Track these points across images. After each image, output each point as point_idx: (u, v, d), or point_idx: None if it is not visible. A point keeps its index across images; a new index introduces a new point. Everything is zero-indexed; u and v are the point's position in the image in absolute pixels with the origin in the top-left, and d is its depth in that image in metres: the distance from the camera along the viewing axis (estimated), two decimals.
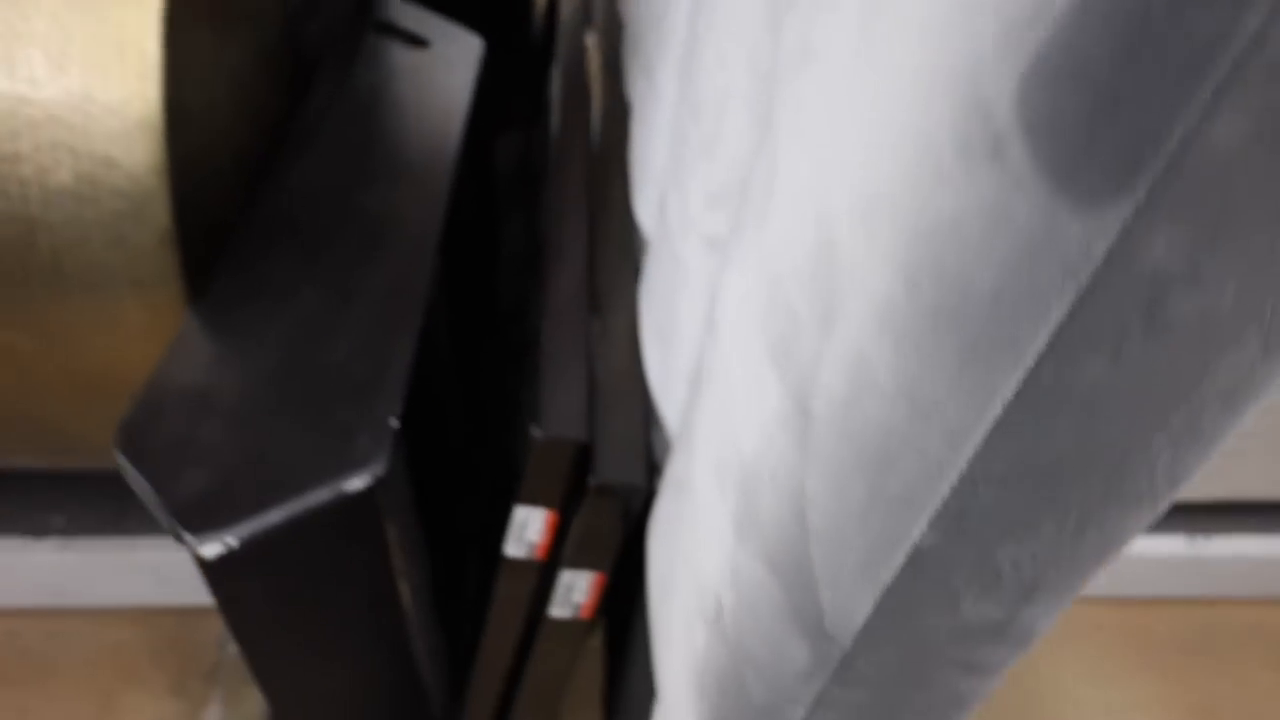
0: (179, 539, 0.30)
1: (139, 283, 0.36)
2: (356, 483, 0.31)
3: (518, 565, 0.35)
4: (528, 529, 0.35)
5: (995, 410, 0.14)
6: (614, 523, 0.33)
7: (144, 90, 0.33)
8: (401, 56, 0.55)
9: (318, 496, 0.31)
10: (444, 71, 0.53)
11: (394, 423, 0.33)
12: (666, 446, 0.32)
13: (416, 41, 0.56)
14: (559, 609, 0.35)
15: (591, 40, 0.65)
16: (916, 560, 0.16)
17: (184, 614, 0.57)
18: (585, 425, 0.32)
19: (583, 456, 0.32)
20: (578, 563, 0.34)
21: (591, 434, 0.32)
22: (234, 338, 0.36)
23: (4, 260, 0.35)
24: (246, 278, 0.38)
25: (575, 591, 0.35)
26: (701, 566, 0.23)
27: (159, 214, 0.35)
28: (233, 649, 0.56)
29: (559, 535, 0.35)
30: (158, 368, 0.34)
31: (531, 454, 0.32)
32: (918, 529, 0.16)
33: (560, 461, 0.32)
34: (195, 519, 0.30)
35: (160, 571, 0.56)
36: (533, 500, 0.34)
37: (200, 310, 0.37)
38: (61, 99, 0.33)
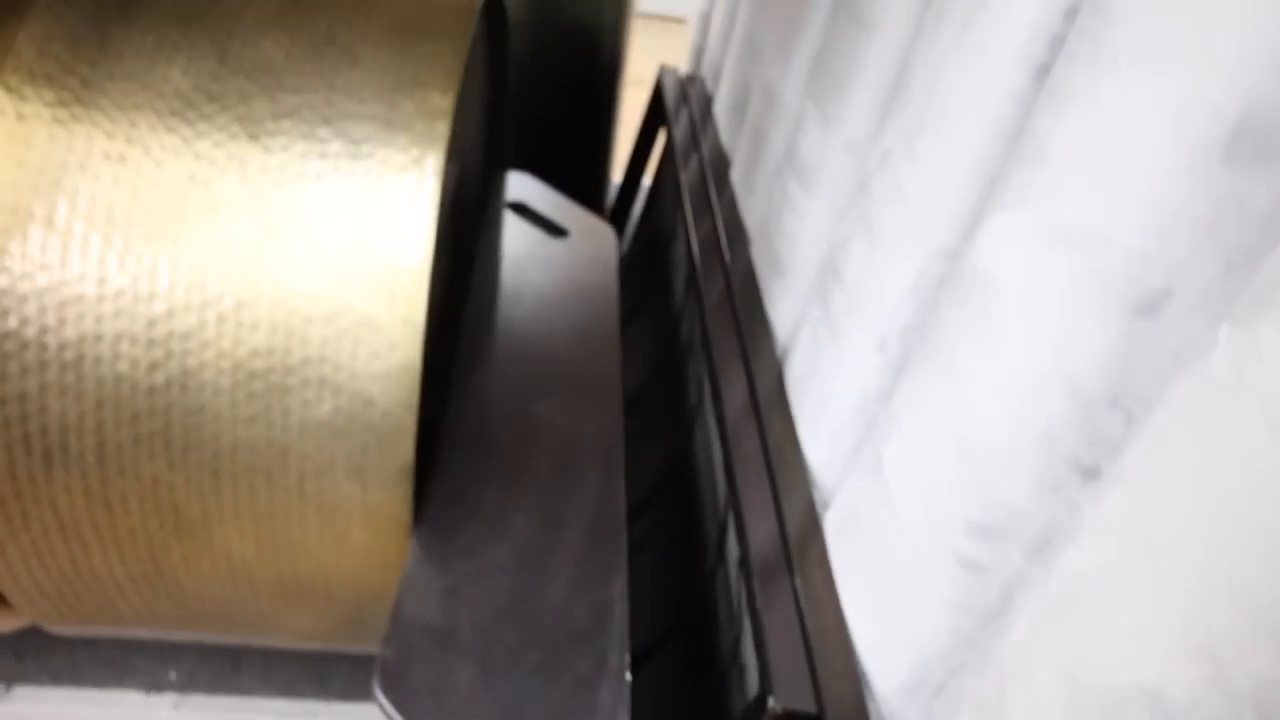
0: None
1: (370, 507, 0.38)
2: None
3: None
4: None
5: None
6: None
7: (410, 337, 0.36)
8: (547, 248, 0.59)
9: None
10: (590, 267, 0.57)
11: (628, 676, 0.35)
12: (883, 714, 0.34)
13: (557, 231, 0.60)
14: None
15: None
16: None
17: None
18: (814, 696, 0.34)
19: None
20: None
21: (820, 705, 0.34)
22: (460, 570, 0.38)
23: (254, 483, 0.37)
24: (460, 503, 0.40)
25: None
26: None
27: (404, 449, 0.37)
28: None
29: None
30: (399, 601, 0.36)
31: None
32: None
33: None
34: None
35: None
36: None
37: (424, 537, 0.39)
38: (333, 340, 0.36)
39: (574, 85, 0.87)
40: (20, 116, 0.35)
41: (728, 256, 0.61)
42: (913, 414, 0.34)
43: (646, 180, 0.94)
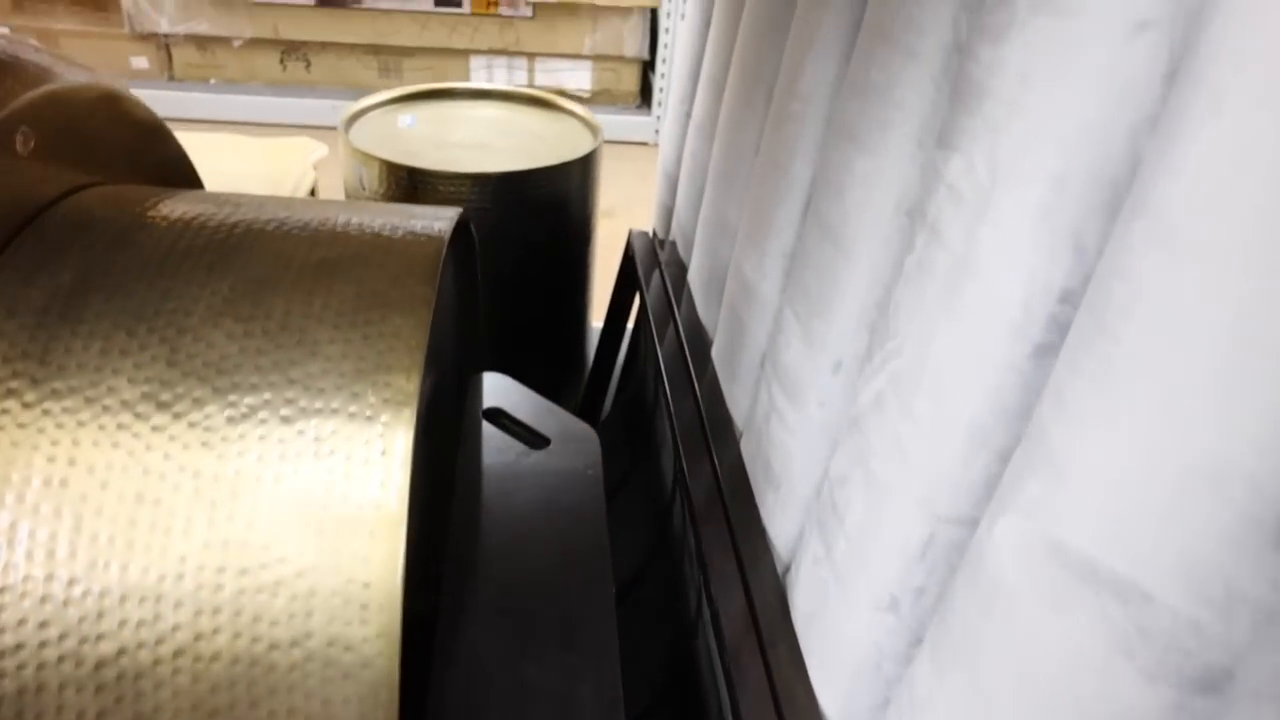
0: None
1: None
2: None
3: None
4: None
5: None
6: None
7: (385, 650, 0.33)
8: (527, 460, 0.56)
9: None
10: (574, 483, 0.55)
11: None
12: None
13: (538, 440, 0.58)
14: None
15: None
16: None
17: None
18: None
19: None
20: None
21: None
22: None
23: None
24: None
25: None
26: None
27: None
28: None
29: None
30: None
31: None
32: None
33: None
34: None
35: None
36: None
37: None
38: (301, 665, 0.33)
39: (546, 250, 0.86)
40: None
41: (714, 446, 0.59)
42: (940, 701, 0.31)
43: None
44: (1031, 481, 0.26)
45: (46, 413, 0.34)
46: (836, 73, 0.46)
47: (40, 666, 0.32)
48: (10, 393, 0.34)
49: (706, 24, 0.78)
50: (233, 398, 0.35)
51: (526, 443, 0.57)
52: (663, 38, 2.00)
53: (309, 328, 0.37)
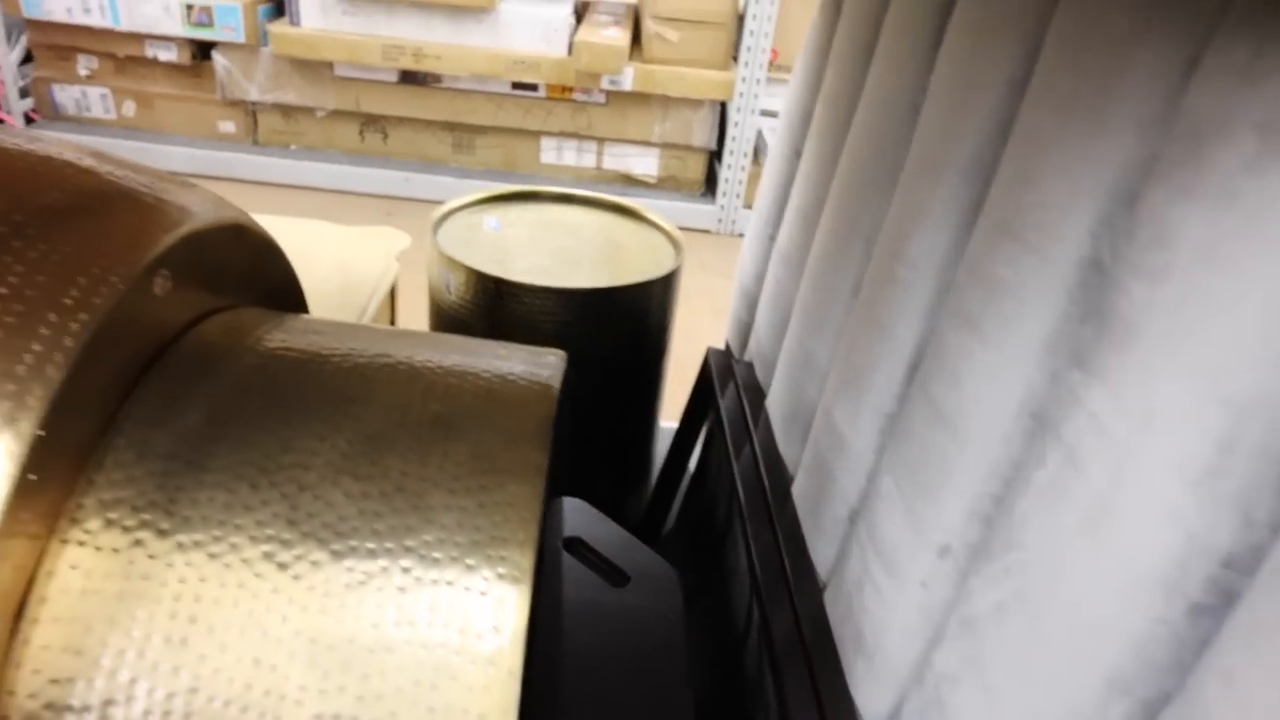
0: None
1: None
2: None
3: None
4: None
5: None
6: None
7: None
8: (606, 596, 0.56)
9: None
10: (657, 630, 0.54)
11: None
12: None
13: (618, 576, 0.57)
14: None
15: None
16: None
17: None
18: None
19: None
20: None
21: None
22: None
23: None
24: None
25: None
26: None
27: None
28: None
29: None
30: None
31: None
32: None
33: None
34: None
35: None
36: None
37: None
38: None
39: (623, 361, 0.87)
40: (84, 593, 0.34)
41: (795, 593, 0.58)
42: None
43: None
44: None
45: (170, 566, 0.35)
46: (948, 251, 0.46)
47: None
48: (137, 544, 0.35)
49: (795, 154, 0.79)
50: (349, 563, 0.35)
51: (605, 577, 0.57)
52: (731, 130, 2.03)
53: (425, 491, 0.37)
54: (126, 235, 0.40)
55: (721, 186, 2.08)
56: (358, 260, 0.97)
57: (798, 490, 0.64)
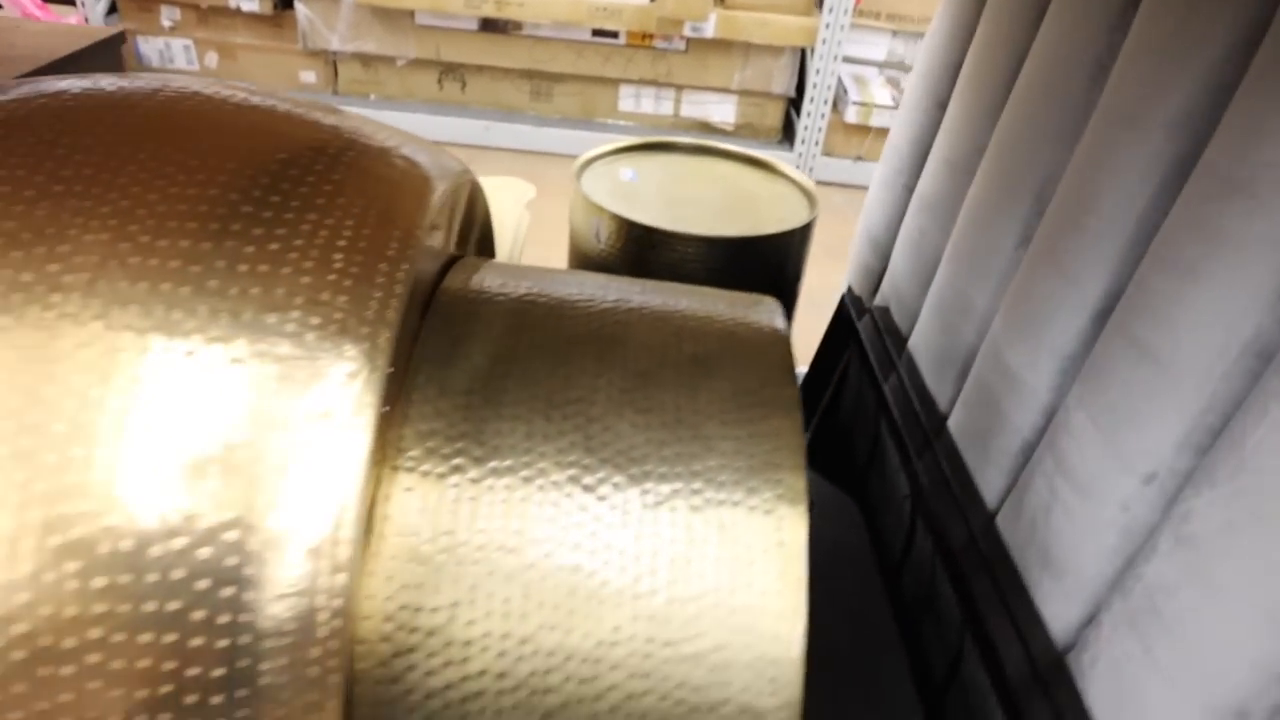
0: None
1: None
2: None
3: None
4: None
5: None
6: None
7: (790, 717, 0.38)
8: None
9: None
10: (845, 555, 0.59)
11: None
12: None
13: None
14: None
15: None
16: None
17: None
18: None
19: None
20: None
21: None
22: None
23: None
24: None
25: None
26: None
27: None
28: None
29: None
30: None
31: None
32: None
33: None
34: None
35: None
36: None
37: None
38: None
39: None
40: (421, 512, 0.39)
41: (969, 519, 0.62)
42: None
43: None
44: None
45: (490, 488, 0.39)
46: (1151, 202, 0.49)
47: (498, 713, 0.37)
48: (456, 469, 0.40)
49: (938, 105, 0.81)
50: (646, 485, 0.40)
51: None
52: (811, 77, 2.03)
53: (700, 423, 0.42)
54: (411, 188, 0.44)
55: (800, 134, 2.09)
56: (494, 210, 1.01)
57: (956, 424, 0.68)
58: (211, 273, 0.35)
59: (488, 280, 0.50)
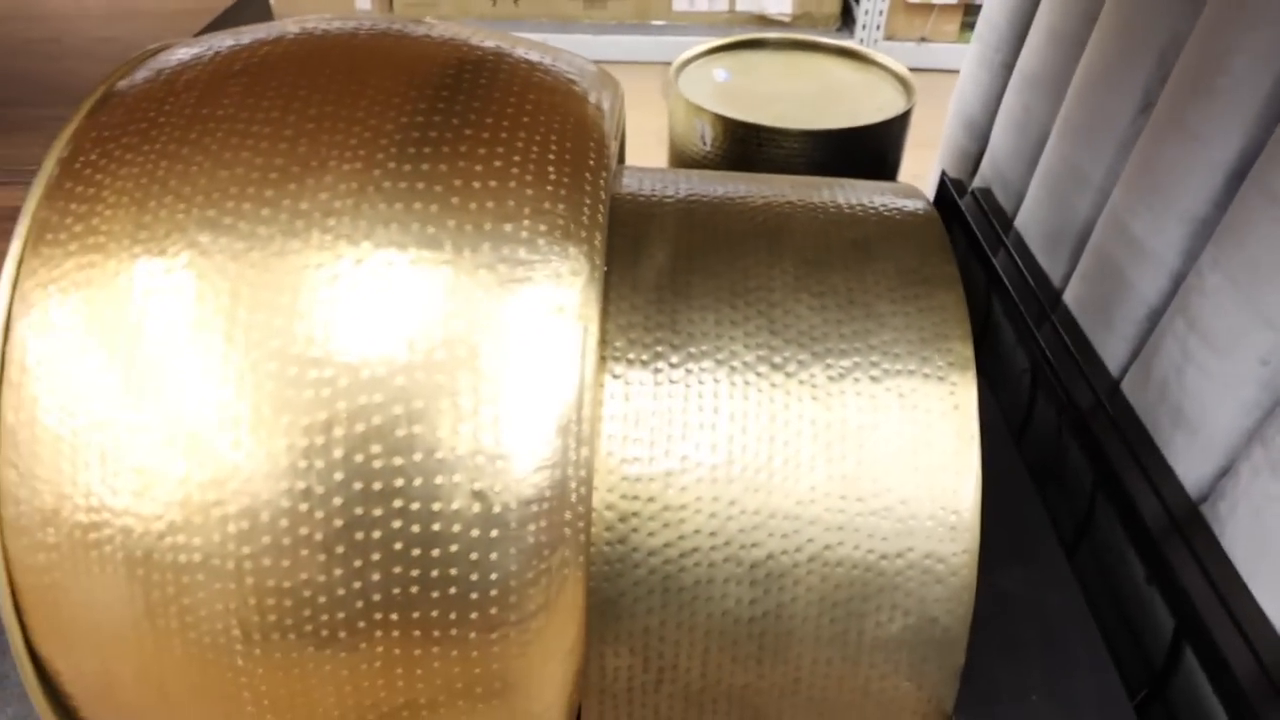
0: None
1: (924, 700, 0.44)
2: None
3: None
4: None
5: None
6: None
7: (969, 564, 0.42)
8: None
9: None
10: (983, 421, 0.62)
11: None
12: None
13: None
14: None
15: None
16: None
17: None
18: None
19: None
20: None
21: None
22: None
23: (828, 687, 0.44)
24: (986, 686, 0.46)
25: None
26: None
27: (958, 655, 0.43)
28: None
29: None
30: None
31: None
32: None
33: None
34: None
35: None
36: None
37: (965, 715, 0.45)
38: (904, 572, 0.42)
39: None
40: (628, 398, 0.43)
41: (1094, 386, 0.65)
42: None
43: None
44: None
45: (689, 371, 0.44)
46: None
47: (711, 565, 0.42)
48: (658, 355, 0.44)
49: None
50: (829, 361, 0.44)
51: None
52: None
53: (870, 302, 0.45)
54: (593, 103, 0.47)
55: (861, 19, 2.05)
56: None
57: (1073, 297, 0.70)
58: (450, 189, 0.39)
59: (648, 184, 0.53)
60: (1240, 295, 0.51)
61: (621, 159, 0.69)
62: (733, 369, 0.44)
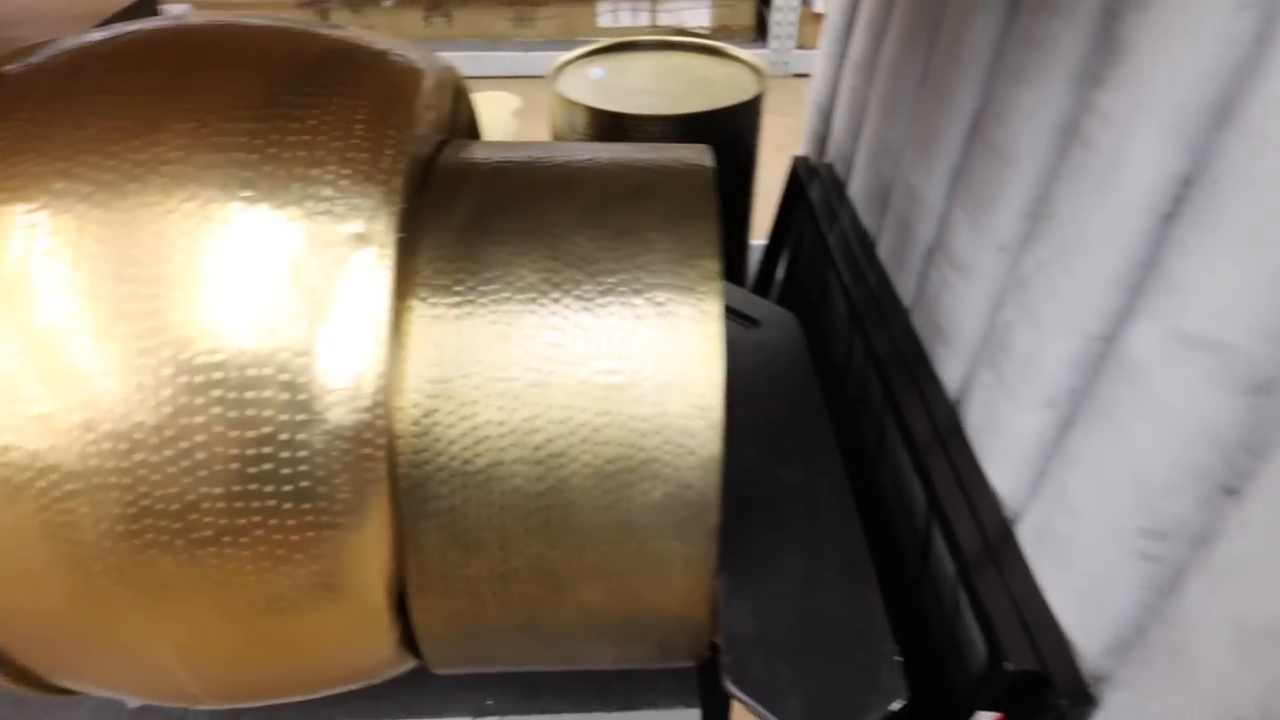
0: None
1: (690, 559, 0.53)
2: (896, 704, 0.47)
3: None
4: None
5: None
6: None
7: (715, 437, 0.51)
8: (745, 337, 0.74)
9: (877, 713, 0.46)
10: (784, 350, 0.71)
11: (899, 659, 0.49)
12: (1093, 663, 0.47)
13: (752, 321, 0.75)
14: None
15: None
16: None
17: None
18: (1037, 659, 0.48)
19: (1037, 678, 0.48)
20: None
21: (1043, 665, 0.47)
22: (759, 597, 0.52)
23: (608, 550, 0.52)
24: (744, 549, 0.55)
25: None
26: None
27: (712, 516, 0.52)
28: None
29: None
30: (725, 623, 0.51)
31: (1002, 681, 0.48)
32: None
33: (1020, 684, 0.48)
34: None
35: None
36: (992, 709, 0.49)
37: (726, 577, 0.53)
38: (662, 447, 0.51)
39: (724, 178, 1.02)
40: (434, 318, 0.52)
41: (890, 321, 0.75)
42: (1089, 455, 0.47)
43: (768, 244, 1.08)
44: (1158, 298, 0.41)
45: (484, 294, 0.52)
46: (1000, 27, 0.60)
47: (501, 449, 0.51)
48: (459, 280, 0.53)
49: None
50: (600, 279, 0.53)
51: (743, 323, 0.75)
52: None
53: (640, 231, 0.54)
54: (407, 76, 0.56)
55: (773, 30, 2.16)
56: (486, 120, 1.12)
57: (883, 249, 0.80)
58: (269, 144, 0.48)
59: (474, 151, 0.62)
60: (970, 221, 0.61)
61: (475, 135, 0.79)
62: (519, 289, 0.53)
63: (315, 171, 0.48)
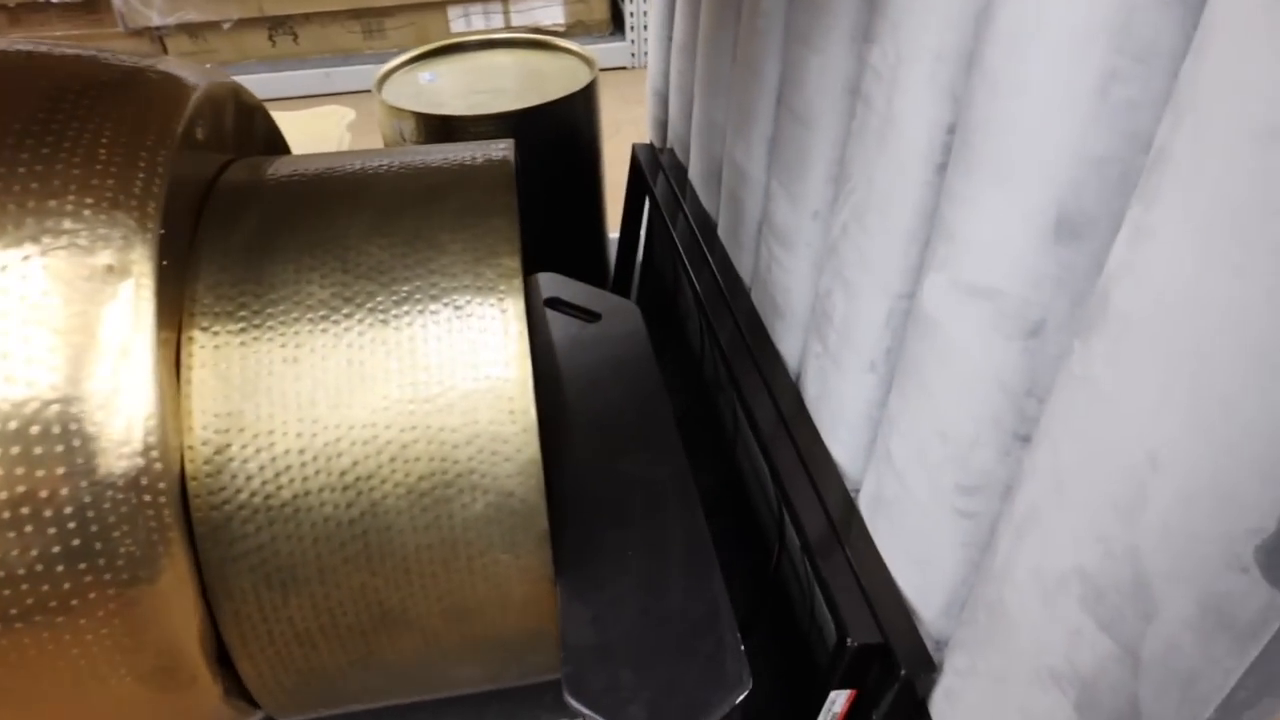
0: None
1: (523, 569, 0.51)
2: (740, 695, 0.45)
3: None
4: (835, 704, 0.49)
5: None
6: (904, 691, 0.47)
7: (529, 440, 0.49)
8: (585, 331, 0.71)
9: (721, 708, 0.45)
10: (626, 342, 0.70)
11: (742, 648, 0.47)
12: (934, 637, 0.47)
13: (591, 316, 0.73)
14: None
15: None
16: None
17: None
18: (879, 630, 0.47)
19: (881, 650, 0.47)
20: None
21: (884, 636, 0.47)
22: (599, 600, 0.50)
23: (435, 571, 0.49)
24: (584, 550, 0.53)
25: None
26: None
27: (539, 522, 0.49)
28: None
29: (854, 704, 0.50)
30: (563, 633, 0.48)
31: (847, 657, 0.47)
32: None
33: (866, 658, 0.47)
34: None
35: None
36: (843, 686, 0.48)
37: (566, 583, 0.51)
38: (476, 456, 0.48)
39: (565, 172, 1.00)
40: (217, 347, 0.48)
41: (731, 303, 0.74)
42: (905, 415, 0.47)
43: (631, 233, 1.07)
44: (941, 249, 0.41)
45: (271, 315, 0.49)
46: None
47: (305, 479, 0.48)
48: (243, 305, 0.49)
49: None
50: (394, 288, 0.50)
51: (582, 318, 0.72)
52: None
53: (433, 235, 0.52)
54: (166, 93, 0.52)
55: (629, 22, 2.15)
56: (317, 136, 1.07)
57: (721, 229, 0.79)
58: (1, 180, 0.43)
59: (262, 167, 0.59)
60: (787, 195, 0.60)
61: (280, 151, 0.75)
62: (309, 307, 0.49)
63: (52, 203, 0.44)
